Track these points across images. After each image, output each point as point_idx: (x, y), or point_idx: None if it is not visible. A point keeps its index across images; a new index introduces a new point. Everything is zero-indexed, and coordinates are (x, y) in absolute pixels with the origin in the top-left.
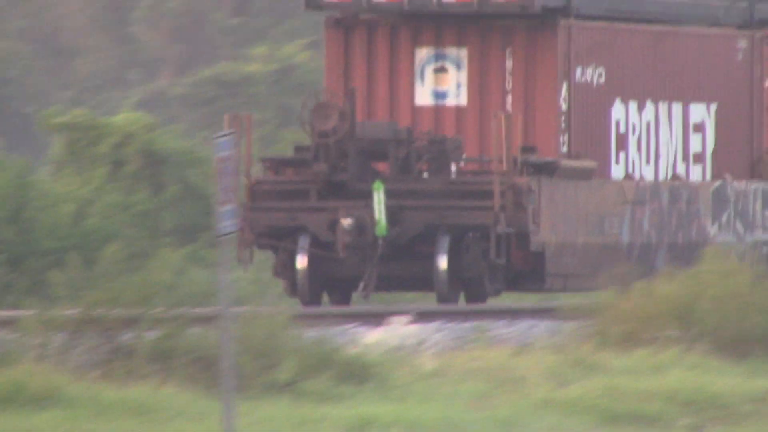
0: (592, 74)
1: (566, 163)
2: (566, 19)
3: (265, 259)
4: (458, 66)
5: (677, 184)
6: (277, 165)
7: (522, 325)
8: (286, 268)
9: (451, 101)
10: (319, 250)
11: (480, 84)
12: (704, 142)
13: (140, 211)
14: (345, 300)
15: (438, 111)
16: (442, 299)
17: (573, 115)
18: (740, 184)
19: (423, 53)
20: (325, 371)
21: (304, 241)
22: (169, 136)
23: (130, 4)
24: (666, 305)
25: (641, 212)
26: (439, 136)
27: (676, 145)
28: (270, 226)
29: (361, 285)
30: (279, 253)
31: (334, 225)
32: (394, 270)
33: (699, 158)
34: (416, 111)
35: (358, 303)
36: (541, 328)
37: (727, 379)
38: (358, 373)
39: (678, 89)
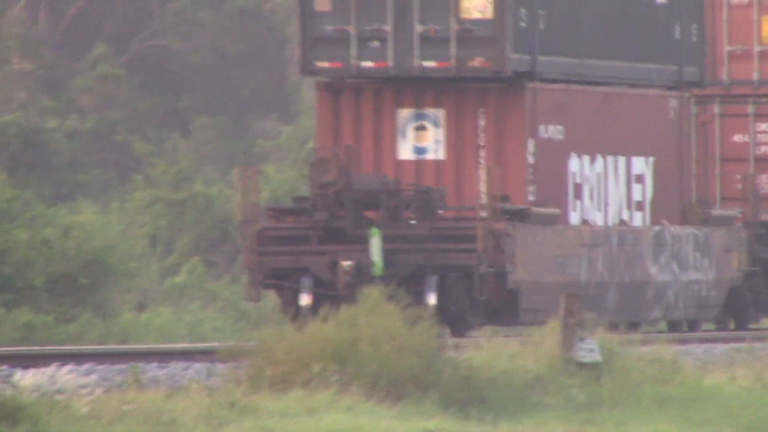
0: (553, 131)
1: (536, 210)
2: (532, 82)
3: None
4: (436, 124)
5: (624, 229)
6: (279, 213)
7: (175, 367)
8: (290, 305)
9: (430, 156)
10: (321, 289)
11: (456, 140)
12: (644, 192)
13: None
14: None
15: (419, 165)
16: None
17: (538, 167)
18: (675, 229)
19: (405, 113)
20: None
21: (306, 281)
22: None
23: None
24: (323, 347)
25: (595, 254)
26: (424, 187)
27: (621, 194)
28: (276, 268)
29: None
30: (283, 292)
31: (334, 266)
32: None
33: (640, 206)
34: (399, 165)
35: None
36: (194, 369)
37: (380, 421)
38: (10, 415)
39: (622, 144)
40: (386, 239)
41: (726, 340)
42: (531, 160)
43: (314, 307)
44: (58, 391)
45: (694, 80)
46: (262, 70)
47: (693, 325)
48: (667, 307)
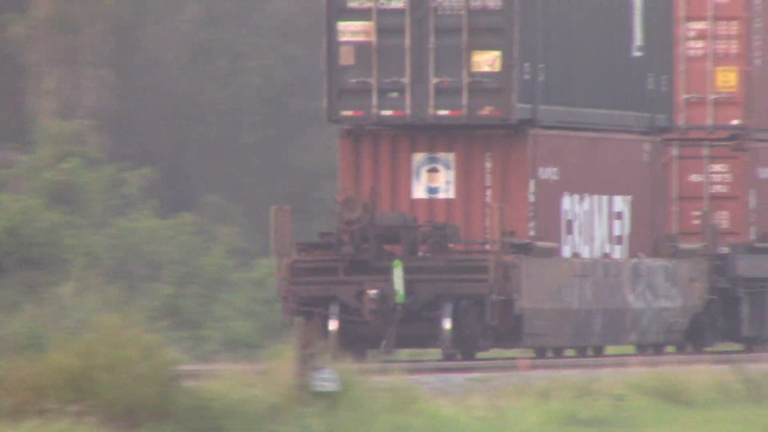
0: (550, 173)
1: (538, 244)
2: (533, 129)
3: None
4: (447, 167)
5: (607, 261)
6: (308, 248)
7: None
8: (319, 330)
9: (441, 195)
10: (348, 316)
11: (465, 181)
12: (623, 227)
13: None
14: (362, 355)
15: (431, 203)
16: (446, 355)
17: (537, 205)
18: (649, 261)
19: (419, 157)
20: None
21: (334, 308)
22: None
23: None
24: (59, 375)
25: (585, 284)
26: (439, 223)
27: (604, 229)
28: (307, 297)
29: (383, 343)
30: (314, 318)
31: (360, 295)
32: (409, 330)
33: (619, 240)
34: (413, 203)
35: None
36: None
37: None
38: None
39: (605, 184)
40: (406, 270)
41: (462, 370)
42: (532, 198)
43: (340, 333)
44: None
45: (664, 126)
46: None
47: (659, 349)
48: (642, 332)
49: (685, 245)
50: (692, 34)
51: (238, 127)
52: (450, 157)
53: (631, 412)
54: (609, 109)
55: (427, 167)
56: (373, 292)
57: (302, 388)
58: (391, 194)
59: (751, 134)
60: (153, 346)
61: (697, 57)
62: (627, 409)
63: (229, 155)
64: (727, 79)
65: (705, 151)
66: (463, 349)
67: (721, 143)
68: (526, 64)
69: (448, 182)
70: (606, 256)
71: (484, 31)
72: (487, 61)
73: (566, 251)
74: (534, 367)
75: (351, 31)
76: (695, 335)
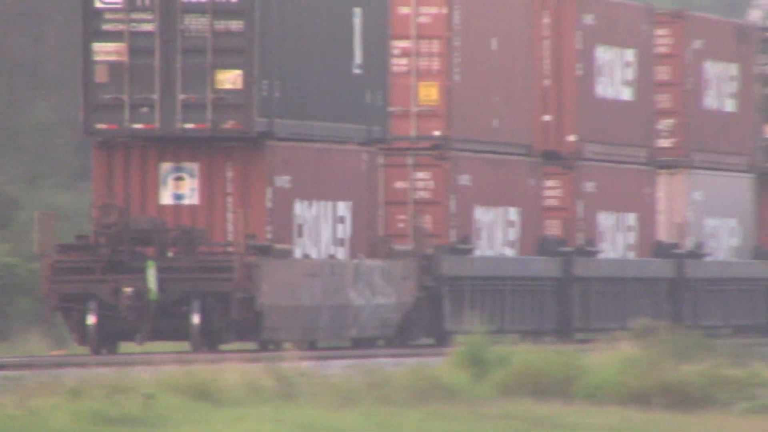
0: (284, 181)
1: (276, 246)
2: (270, 141)
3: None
4: (192, 175)
5: (333, 262)
6: (67, 249)
7: None
8: (78, 324)
9: (187, 201)
10: (106, 311)
11: (208, 189)
12: (345, 231)
13: None
14: (114, 348)
15: (177, 209)
16: (195, 347)
17: (273, 211)
18: (368, 262)
19: (166, 166)
20: None
21: (92, 305)
22: None
23: None
24: None
25: (314, 283)
26: (188, 227)
27: (330, 232)
28: (68, 294)
29: (138, 336)
30: (73, 313)
31: (117, 292)
32: (161, 325)
33: (342, 242)
34: (161, 209)
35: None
36: None
37: None
38: None
39: (330, 191)
40: (159, 270)
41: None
42: (269, 205)
43: (98, 327)
44: None
45: (380, 137)
46: None
47: (372, 343)
48: (362, 327)
49: (398, 247)
50: (398, 51)
51: None
52: (195, 166)
53: (162, 410)
54: (334, 122)
55: (173, 176)
56: (128, 289)
57: None
58: (141, 200)
59: (452, 144)
60: None
61: (402, 73)
62: (158, 408)
63: None
64: (429, 93)
65: (410, 160)
66: (209, 342)
67: (425, 152)
68: (265, 82)
69: (192, 189)
70: (331, 257)
71: (226, 51)
72: (229, 79)
73: (298, 253)
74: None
75: (105, 51)
76: (403, 330)
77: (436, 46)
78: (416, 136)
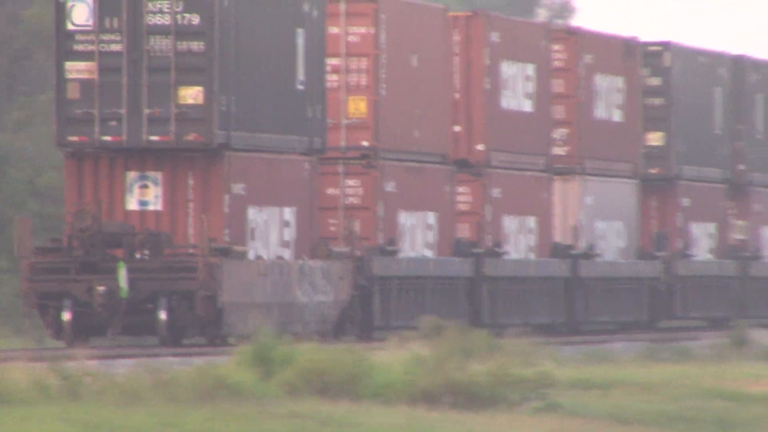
0: (239, 188)
1: (234, 248)
2: (228, 152)
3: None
4: (156, 183)
5: (281, 262)
6: (44, 251)
7: None
8: (54, 320)
9: (151, 207)
10: (80, 308)
11: (171, 196)
12: (291, 234)
13: None
14: (86, 342)
15: (143, 214)
16: (162, 342)
17: (230, 216)
18: (311, 262)
19: (132, 175)
20: None
21: (68, 302)
22: None
23: None
24: None
25: (266, 282)
26: (155, 231)
27: (277, 235)
28: (45, 292)
29: (109, 331)
30: (50, 310)
31: (90, 291)
32: (131, 321)
33: (288, 245)
34: (128, 214)
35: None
36: None
37: None
38: None
39: (278, 198)
40: (129, 270)
41: None
42: (227, 210)
43: (73, 323)
44: None
45: (320, 148)
46: None
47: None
48: (306, 323)
49: (337, 249)
50: (329, 68)
51: None
52: (159, 175)
53: None
54: (280, 134)
55: (139, 184)
56: (101, 288)
57: None
58: (109, 206)
59: (379, 154)
60: None
61: (333, 88)
62: None
63: None
64: (359, 107)
65: (340, 169)
66: (174, 337)
67: (354, 162)
68: (223, 98)
69: (156, 196)
70: (279, 258)
71: (188, 70)
72: (191, 95)
73: (251, 254)
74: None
75: (77, 69)
76: (341, 326)
77: (364, 63)
78: (346, 146)
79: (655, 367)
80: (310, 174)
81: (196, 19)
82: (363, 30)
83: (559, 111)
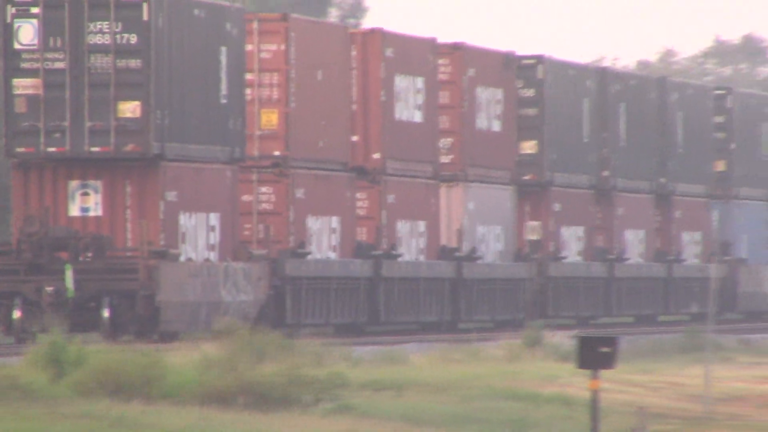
0: (172, 195)
1: (170, 251)
2: (163, 161)
3: None
4: (97, 191)
5: (209, 264)
6: None
7: None
8: (5, 318)
9: (92, 213)
10: (30, 307)
11: (111, 202)
12: (216, 238)
13: None
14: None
15: (84, 219)
16: (106, 337)
17: (165, 221)
18: (234, 264)
19: (74, 183)
20: None
21: (18, 301)
22: None
23: None
24: None
25: (196, 282)
26: (98, 235)
27: (205, 239)
28: None
29: (57, 329)
30: (1, 309)
31: (39, 291)
32: (78, 319)
33: (213, 248)
34: (70, 220)
35: None
36: None
37: None
38: None
39: (204, 204)
40: (75, 271)
41: None
42: (161, 216)
43: (23, 320)
44: None
45: (239, 157)
46: None
47: None
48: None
49: (256, 251)
50: (245, 83)
51: None
52: (99, 183)
53: None
54: (206, 144)
55: (80, 191)
56: (49, 288)
57: None
58: (54, 212)
59: (289, 162)
60: None
61: (248, 101)
62: None
63: None
64: (270, 119)
65: (254, 176)
66: (115, 333)
67: (267, 170)
68: (158, 111)
69: (97, 203)
70: (206, 260)
71: (127, 85)
72: (129, 108)
73: (183, 257)
74: None
75: (23, 86)
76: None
77: (276, 78)
78: (259, 155)
79: (449, 367)
80: (231, 181)
81: (134, 39)
82: (274, 47)
83: (444, 121)
